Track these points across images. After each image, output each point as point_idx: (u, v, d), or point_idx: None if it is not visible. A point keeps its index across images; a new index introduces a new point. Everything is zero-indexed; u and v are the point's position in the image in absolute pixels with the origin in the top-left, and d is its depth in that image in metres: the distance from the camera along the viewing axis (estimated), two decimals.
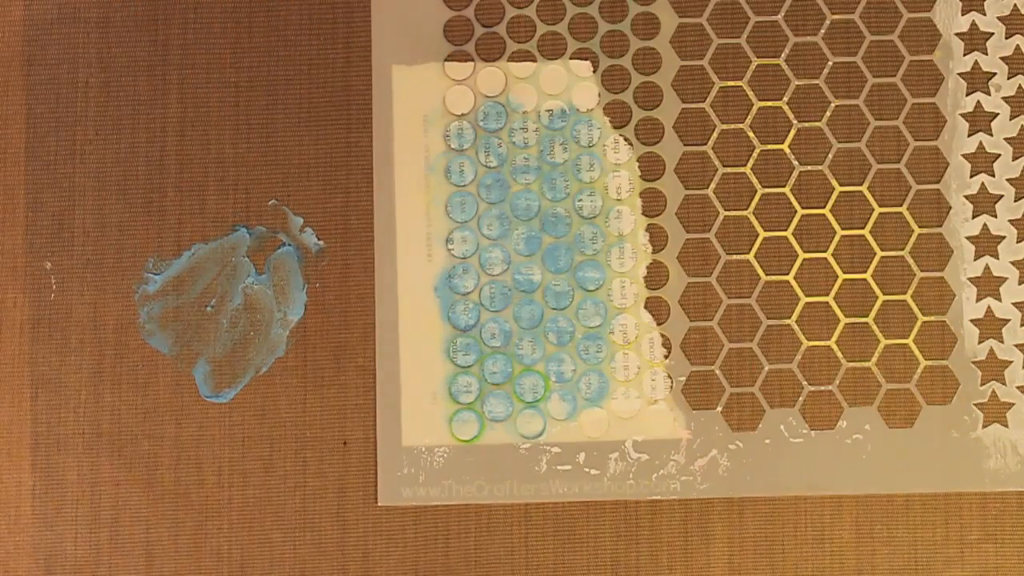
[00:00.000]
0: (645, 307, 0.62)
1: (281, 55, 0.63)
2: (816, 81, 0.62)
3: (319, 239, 0.62)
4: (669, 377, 0.62)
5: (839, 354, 0.62)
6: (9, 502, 0.62)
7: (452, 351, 0.62)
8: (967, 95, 0.62)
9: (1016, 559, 0.61)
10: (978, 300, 0.62)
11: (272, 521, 0.62)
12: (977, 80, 0.62)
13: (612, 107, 0.63)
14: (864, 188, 0.62)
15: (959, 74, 0.62)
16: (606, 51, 0.63)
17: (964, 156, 0.62)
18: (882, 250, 0.62)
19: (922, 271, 0.62)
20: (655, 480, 0.61)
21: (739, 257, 0.62)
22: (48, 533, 0.62)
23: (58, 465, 0.62)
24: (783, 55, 0.63)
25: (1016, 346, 0.62)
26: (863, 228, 0.62)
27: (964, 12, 0.62)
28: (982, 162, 0.62)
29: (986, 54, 0.62)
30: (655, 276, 0.62)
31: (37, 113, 0.63)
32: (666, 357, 0.62)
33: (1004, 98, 0.62)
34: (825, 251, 0.62)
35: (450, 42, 0.63)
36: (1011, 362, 0.62)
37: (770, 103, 0.63)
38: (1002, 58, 0.62)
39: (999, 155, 0.62)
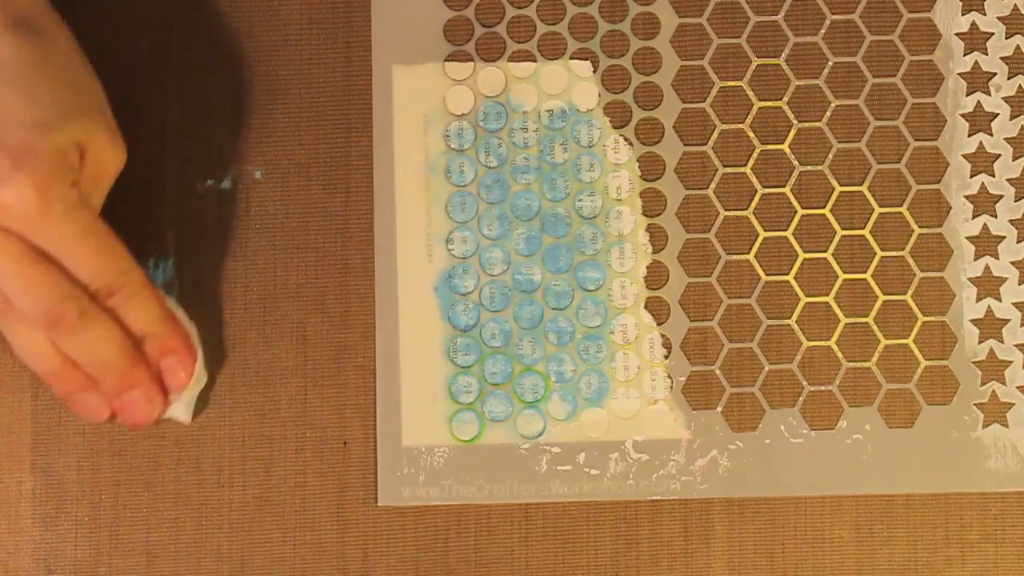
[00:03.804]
0: (645, 307, 0.62)
1: (281, 55, 0.63)
2: (816, 81, 0.62)
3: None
4: (669, 377, 0.62)
5: (839, 354, 0.62)
6: (9, 502, 0.62)
7: (452, 351, 0.62)
8: (967, 95, 0.62)
9: (1016, 559, 0.61)
10: (978, 300, 0.62)
11: (272, 521, 0.62)
12: (977, 80, 0.62)
13: (612, 107, 0.63)
14: (864, 188, 0.62)
15: (959, 74, 0.62)
16: (606, 51, 0.63)
17: (964, 156, 0.62)
18: (882, 250, 0.62)
19: (922, 271, 0.62)
20: (655, 480, 0.61)
21: (739, 257, 0.62)
22: (48, 533, 0.62)
23: (58, 465, 0.62)
24: (783, 55, 0.63)
25: (1016, 346, 0.62)
26: (863, 228, 0.62)
27: (964, 12, 0.62)
28: (982, 162, 0.62)
29: (986, 54, 0.62)
30: (655, 276, 0.62)
31: None
32: (666, 357, 0.62)
33: (1004, 98, 0.62)
34: (825, 251, 0.62)
35: (450, 42, 0.63)
36: (1011, 362, 0.62)
37: (770, 103, 0.63)
38: (1002, 58, 0.62)
39: (999, 155, 0.62)
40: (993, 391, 0.61)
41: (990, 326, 0.62)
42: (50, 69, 0.54)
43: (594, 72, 0.63)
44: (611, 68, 0.63)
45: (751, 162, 0.62)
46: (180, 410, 0.60)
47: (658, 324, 0.62)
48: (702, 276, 0.62)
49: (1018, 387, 0.61)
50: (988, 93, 0.62)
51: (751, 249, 0.62)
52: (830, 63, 0.62)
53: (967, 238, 0.62)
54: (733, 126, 0.62)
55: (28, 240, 0.54)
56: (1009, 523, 0.61)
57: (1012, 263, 0.62)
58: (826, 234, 0.62)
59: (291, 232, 0.62)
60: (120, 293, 0.56)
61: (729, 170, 0.62)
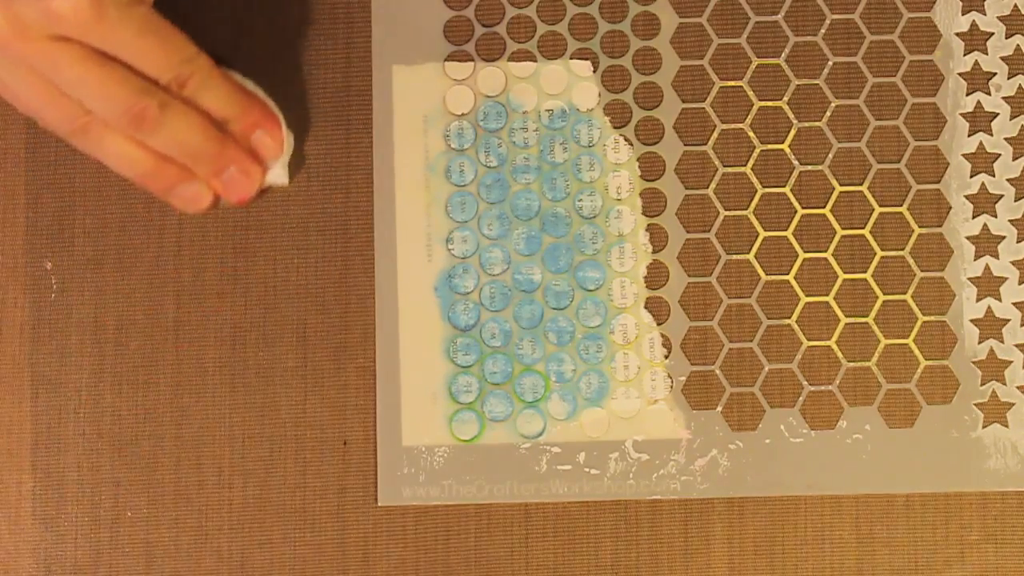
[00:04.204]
0: (645, 307, 0.62)
1: (281, 55, 0.63)
2: (816, 81, 0.62)
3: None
4: (669, 377, 0.62)
5: (839, 354, 0.62)
6: (9, 502, 0.62)
7: (452, 351, 0.62)
8: (967, 95, 0.62)
9: (1016, 559, 0.61)
10: (978, 300, 0.62)
11: (272, 521, 0.62)
12: (977, 80, 0.62)
13: (612, 107, 0.63)
14: (864, 188, 0.62)
15: (959, 74, 0.62)
16: (606, 51, 0.63)
17: (964, 156, 0.62)
18: (882, 250, 0.62)
19: (922, 271, 0.62)
20: (655, 480, 0.61)
21: (739, 257, 0.62)
22: (48, 533, 0.62)
23: (58, 465, 0.62)
24: (783, 55, 0.63)
25: (1016, 346, 0.62)
26: (863, 228, 0.62)
27: (964, 12, 0.62)
28: (982, 162, 0.62)
29: (986, 54, 0.62)
30: (655, 276, 0.62)
31: None
32: (666, 357, 0.62)
33: (1004, 98, 0.62)
34: (825, 251, 0.62)
35: (450, 42, 0.63)
36: (1011, 362, 0.62)
37: (770, 103, 0.63)
38: (1002, 58, 0.62)
39: (999, 155, 0.62)
40: (993, 391, 0.61)
41: (990, 326, 0.62)
42: None
43: (594, 72, 0.63)
44: (611, 68, 0.63)
45: (751, 162, 0.62)
46: (278, 174, 0.60)
47: (658, 324, 0.62)
48: (702, 276, 0.62)
49: (1018, 387, 0.61)
50: (988, 93, 0.62)
51: (751, 249, 0.62)
52: (830, 63, 0.62)
53: (967, 238, 0.62)
54: (733, 126, 0.62)
55: (90, 46, 0.54)
56: (1009, 523, 0.61)
57: (1012, 263, 0.62)
58: (826, 234, 0.62)
59: (291, 232, 0.62)
60: (191, 81, 0.56)
61: (729, 170, 0.62)
